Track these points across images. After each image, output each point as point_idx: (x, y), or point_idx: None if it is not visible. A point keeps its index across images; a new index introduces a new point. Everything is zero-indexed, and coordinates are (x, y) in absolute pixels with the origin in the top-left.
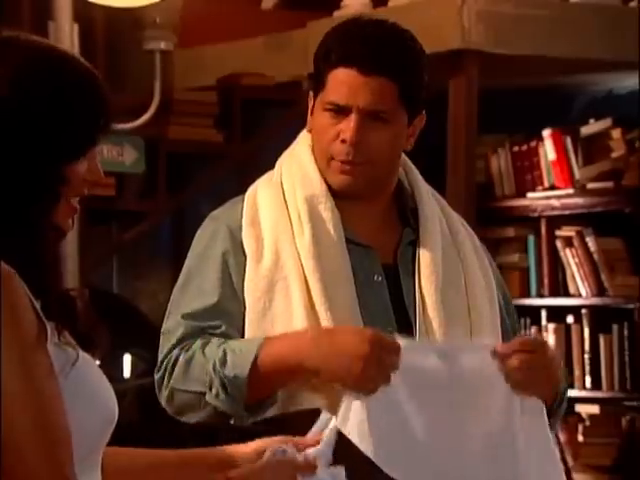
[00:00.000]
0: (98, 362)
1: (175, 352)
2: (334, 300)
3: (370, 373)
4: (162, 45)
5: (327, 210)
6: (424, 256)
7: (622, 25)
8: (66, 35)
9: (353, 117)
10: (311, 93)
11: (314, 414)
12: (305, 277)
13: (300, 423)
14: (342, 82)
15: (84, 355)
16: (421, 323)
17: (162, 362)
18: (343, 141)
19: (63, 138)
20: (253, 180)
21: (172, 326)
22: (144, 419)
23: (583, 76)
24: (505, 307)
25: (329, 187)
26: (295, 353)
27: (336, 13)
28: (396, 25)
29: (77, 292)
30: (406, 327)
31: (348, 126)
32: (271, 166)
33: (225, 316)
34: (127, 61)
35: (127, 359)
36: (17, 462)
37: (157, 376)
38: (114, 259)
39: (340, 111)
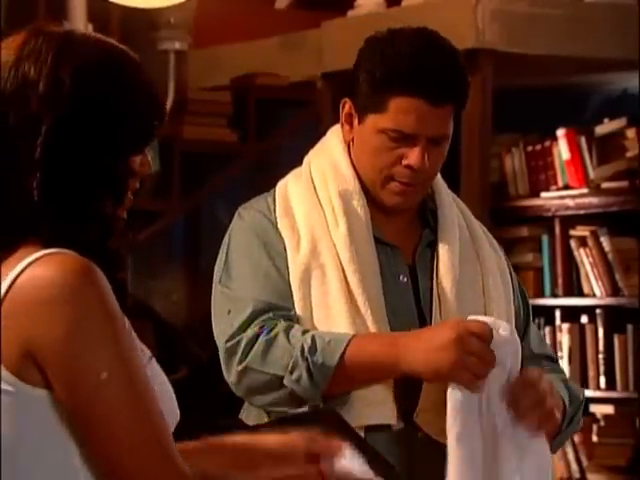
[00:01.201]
0: None
1: (250, 330)
2: (369, 295)
3: (462, 358)
4: (176, 45)
5: (360, 207)
6: (442, 256)
7: (636, 24)
8: None
9: (421, 145)
10: (346, 99)
11: (330, 412)
12: (342, 267)
13: (316, 420)
14: (409, 111)
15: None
16: (437, 323)
17: (234, 336)
18: (409, 167)
19: (130, 131)
20: (267, 179)
21: (237, 304)
22: None
23: (597, 75)
24: (523, 312)
25: (360, 184)
26: (389, 354)
27: (350, 13)
28: (446, 42)
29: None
30: (423, 325)
31: (415, 155)
32: (285, 165)
33: (288, 299)
34: (142, 61)
35: None
36: (125, 458)
37: (226, 346)
38: (128, 258)
39: (404, 137)
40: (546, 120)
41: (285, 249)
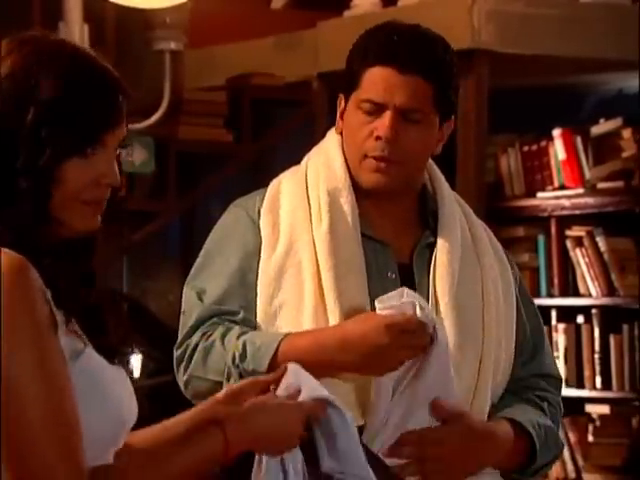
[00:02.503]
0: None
1: (195, 337)
2: (344, 291)
3: (397, 361)
4: (172, 45)
5: (347, 203)
6: (440, 257)
7: (632, 24)
8: (76, 36)
9: (388, 114)
10: (341, 96)
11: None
12: (317, 265)
13: None
14: (379, 80)
15: (93, 353)
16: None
17: (182, 343)
18: (378, 138)
19: (65, 133)
20: (263, 179)
21: (191, 306)
22: (154, 420)
23: (593, 76)
24: (528, 316)
25: (354, 184)
26: (323, 350)
27: (346, 13)
28: (430, 30)
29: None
30: None
31: (383, 123)
32: (280, 165)
33: (243, 301)
34: (137, 61)
35: (137, 359)
36: (29, 450)
37: (176, 354)
38: (124, 259)
39: (375, 109)
40: (542, 120)
41: (260, 248)
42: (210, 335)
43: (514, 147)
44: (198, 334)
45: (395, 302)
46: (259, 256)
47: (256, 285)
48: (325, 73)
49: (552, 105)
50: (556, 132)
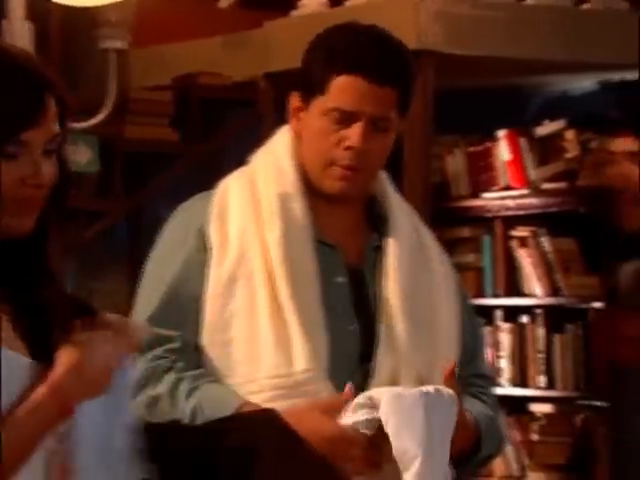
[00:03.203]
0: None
1: (141, 366)
2: (299, 297)
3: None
4: (117, 44)
5: (299, 208)
6: (390, 260)
7: (576, 27)
8: (20, 34)
9: (360, 125)
10: (295, 94)
11: (268, 413)
12: (270, 273)
13: (254, 423)
14: (349, 89)
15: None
16: (385, 326)
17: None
18: (349, 148)
19: None
20: (211, 179)
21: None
22: None
23: (538, 77)
24: (469, 320)
25: (305, 185)
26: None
27: (293, 12)
28: (390, 33)
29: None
30: (369, 328)
31: (355, 133)
32: (229, 165)
33: (178, 318)
34: (82, 60)
35: None
36: None
37: None
38: (71, 258)
39: (344, 118)
40: (487, 121)
41: (206, 256)
42: (157, 380)
43: (460, 148)
44: (144, 365)
45: (361, 417)
46: (205, 265)
47: (199, 295)
48: (273, 73)
49: (497, 106)
50: (501, 133)
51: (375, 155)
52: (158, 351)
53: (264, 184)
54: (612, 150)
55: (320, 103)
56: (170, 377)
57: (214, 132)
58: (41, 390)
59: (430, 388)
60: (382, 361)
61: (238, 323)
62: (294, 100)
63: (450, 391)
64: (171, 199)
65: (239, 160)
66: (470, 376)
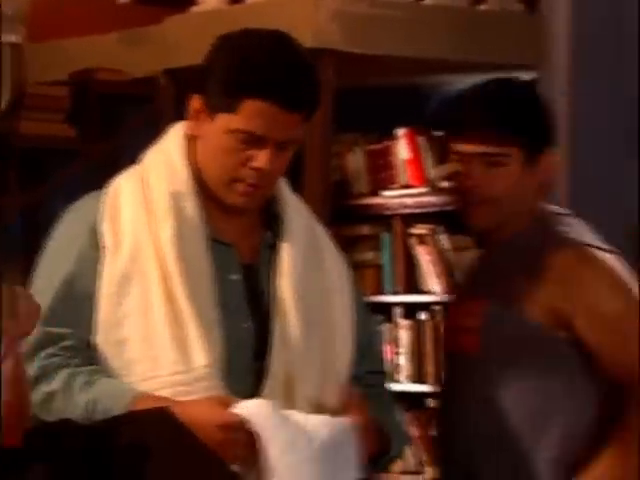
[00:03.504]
0: None
1: (36, 365)
2: (195, 297)
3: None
4: (12, 38)
5: (191, 207)
6: (285, 258)
7: (473, 27)
8: None
9: (269, 149)
10: (197, 97)
11: (161, 411)
12: (164, 271)
13: (147, 421)
14: (260, 114)
15: None
16: (278, 323)
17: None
18: (256, 169)
19: None
20: (108, 175)
21: None
22: None
23: (436, 76)
24: (363, 318)
25: (196, 184)
26: None
27: (192, 9)
28: (300, 48)
29: None
30: (263, 325)
31: (263, 156)
32: (126, 161)
33: (71, 317)
34: None
35: None
36: None
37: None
38: None
39: (252, 140)
40: (387, 120)
41: (99, 256)
42: (51, 377)
43: (359, 146)
44: (37, 364)
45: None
46: (98, 262)
47: (92, 293)
48: (172, 69)
49: (397, 105)
50: (400, 132)
51: (279, 172)
52: (52, 349)
53: (156, 182)
54: (457, 150)
55: (228, 121)
56: (64, 373)
57: (112, 128)
58: None
59: (323, 434)
60: (276, 360)
61: (133, 322)
62: (195, 102)
63: (343, 424)
64: (68, 195)
65: (136, 156)
66: (365, 373)
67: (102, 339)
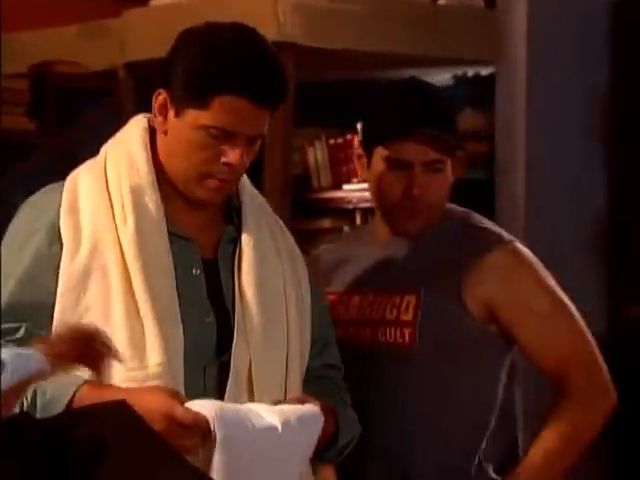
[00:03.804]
0: None
1: None
2: (156, 292)
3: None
4: None
5: (151, 202)
6: (246, 252)
7: (432, 22)
8: None
9: (241, 144)
10: (161, 91)
11: (119, 405)
12: (125, 266)
13: (104, 415)
14: (233, 110)
15: None
16: (240, 318)
17: None
18: (228, 164)
19: None
20: (67, 169)
21: None
22: None
23: (396, 71)
24: (319, 312)
25: (156, 177)
26: None
27: (152, 2)
28: (266, 41)
29: None
30: (225, 320)
31: (235, 152)
32: (86, 155)
33: (29, 313)
34: None
35: None
36: None
37: None
38: None
39: (223, 135)
40: (348, 113)
41: (57, 251)
42: None
43: (320, 140)
44: None
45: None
46: (56, 260)
47: (50, 290)
48: (132, 63)
49: (357, 99)
50: (361, 126)
51: (246, 167)
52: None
53: (115, 176)
54: (395, 157)
55: (197, 117)
56: None
57: (71, 121)
58: None
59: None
60: (238, 353)
61: (92, 317)
62: (161, 97)
63: (311, 409)
64: (26, 188)
65: (95, 149)
66: (323, 366)
67: None
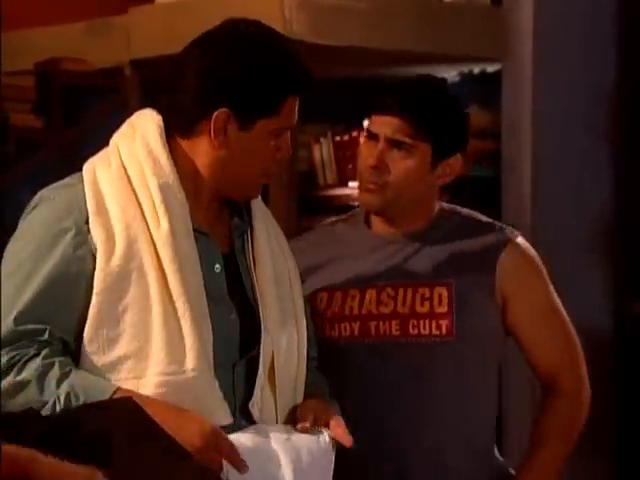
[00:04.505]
0: None
1: (3, 360)
2: (190, 292)
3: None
4: None
5: (178, 200)
6: (260, 246)
7: (438, 19)
8: None
9: (287, 135)
10: (227, 111)
11: (126, 400)
12: (161, 267)
13: (112, 410)
14: (294, 108)
15: None
16: (262, 313)
17: None
18: (283, 158)
19: None
20: (73, 166)
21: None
22: None
23: (402, 68)
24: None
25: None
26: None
27: (158, 0)
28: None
29: None
30: (246, 315)
31: (288, 145)
32: (92, 152)
33: (53, 316)
34: None
35: None
36: None
37: None
38: None
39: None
40: (354, 111)
41: (87, 253)
42: (22, 367)
43: (326, 137)
44: (5, 357)
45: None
46: (83, 262)
47: (77, 294)
48: (137, 60)
49: (364, 96)
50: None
51: None
52: (23, 343)
53: (138, 173)
54: (368, 130)
55: (268, 124)
56: (36, 363)
57: (77, 119)
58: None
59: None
60: (265, 348)
61: (129, 319)
62: (223, 115)
63: (325, 437)
64: (33, 186)
65: (102, 146)
66: (314, 358)
67: (90, 336)
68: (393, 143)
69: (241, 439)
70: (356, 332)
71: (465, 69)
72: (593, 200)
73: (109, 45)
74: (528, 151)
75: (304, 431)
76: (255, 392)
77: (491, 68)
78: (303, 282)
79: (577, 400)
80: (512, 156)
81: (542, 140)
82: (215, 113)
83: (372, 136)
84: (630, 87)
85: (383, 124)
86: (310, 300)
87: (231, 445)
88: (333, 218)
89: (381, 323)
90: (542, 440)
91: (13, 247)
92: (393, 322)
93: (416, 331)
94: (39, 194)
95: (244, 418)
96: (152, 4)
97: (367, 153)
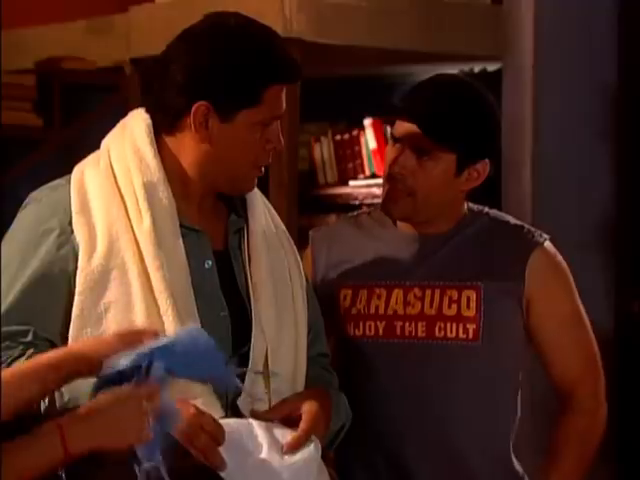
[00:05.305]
0: None
1: None
2: (174, 290)
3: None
4: None
5: (165, 197)
6: (255, 243)
7: (438, 17)
8: None
9: (278, 126)
10: (205, 104)
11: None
12: (143, 264)
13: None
14: (279, 97)
15: None
16: (255, 310)
17: None
18: (274, 149)
19: None
20: (73, 165)
21: None
22: None
23: (403, 67)
24: (312, 302)
25: (165, 172)
26: None
27: None
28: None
29: None
30: (238, 312)
31: (279, 136)
32: (92, 151)
33: (36, 316)
34: None
35: None
36: None
37: None
38: None
39: (269, 122)
40: (354, 110)
41: (70, 253)
42: (10, 363)
43: (327, 136)
44: None
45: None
46: (66, 262)
47: (60, 293)
48: (138, 59)
49: (364, 95)
50: (367, 122)
51: None
52: (7, 344)
53: (124, 171)
54: (393, 135)
55: (250, 115)
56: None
57: (77, 117)
58: (55, 441)
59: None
60: (257, 345)
61: (112, 316)
62: (203, 108)
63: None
64: (33, 184)
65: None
66: (316, 355)
67: (75, 335)
68: (417, 150)
69: (222, 421)
70: (381, 332)
71: (466, 68)
72: (594, 199)
73: (110, 44)
74: (529, 150)
75: (294, 447)
76: (244, 387)
77: (492, 67)
78: (325, 276)
79: (594, 418)
80: (513, 155)
81: (543, 139)
82: (194, 107)
83: (397, 140)
84: (631, 86)
85: (407, 131)
86: (333, 296)
87: (216, 423)
88: (360, 210)
89: (407, 324)
90: (558, 458)
91: (2, 249)
92: (419, 323)
93: (442, 334)
94: (29, 196)
95: (235, 414)
96: (153, 3)
97: (391, 158)
